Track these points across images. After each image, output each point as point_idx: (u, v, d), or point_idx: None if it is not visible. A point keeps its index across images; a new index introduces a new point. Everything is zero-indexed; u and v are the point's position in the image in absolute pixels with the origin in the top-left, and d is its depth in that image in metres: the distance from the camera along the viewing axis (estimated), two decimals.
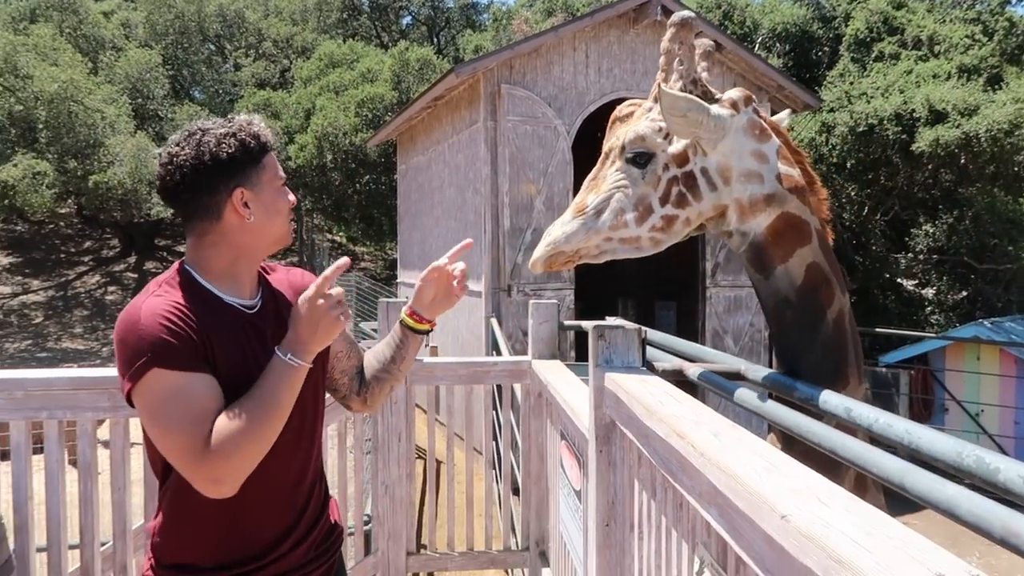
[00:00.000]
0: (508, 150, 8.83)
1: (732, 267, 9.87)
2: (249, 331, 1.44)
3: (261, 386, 1.35)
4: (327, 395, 1.69)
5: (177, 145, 1.40)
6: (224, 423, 1.29)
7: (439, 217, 11.14)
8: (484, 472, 3.65)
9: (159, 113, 24.00)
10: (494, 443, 4.38)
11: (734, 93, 1.93)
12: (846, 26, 18.54)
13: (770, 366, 2.07)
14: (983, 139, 12.53)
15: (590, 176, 2.04)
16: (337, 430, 3.43)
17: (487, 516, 3.61)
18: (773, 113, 2.18)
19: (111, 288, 23.45)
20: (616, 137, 2.00)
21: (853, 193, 15.33)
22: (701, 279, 10.03)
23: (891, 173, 14.55)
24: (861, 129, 13.77)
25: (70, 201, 23.41)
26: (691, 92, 1.92)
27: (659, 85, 1.91)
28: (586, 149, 7.59)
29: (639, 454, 1.64)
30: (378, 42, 29.48)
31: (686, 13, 1.95)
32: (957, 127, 12.79)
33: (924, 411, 11.33)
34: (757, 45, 18.99)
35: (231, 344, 1.39)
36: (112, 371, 1.58)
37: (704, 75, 2.01)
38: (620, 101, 2.21)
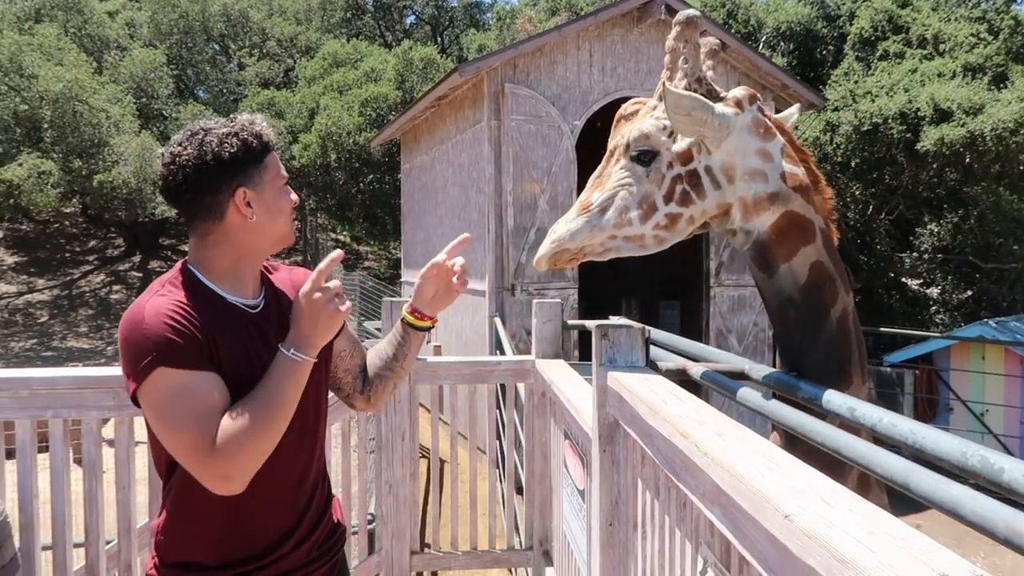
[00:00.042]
0: (512, 149, 8.83)
1: (736, 266, 9.86)
2: (252, 331, 1.44)
3: (266, 383, 1.35)
4: (331, 395, 1.70)
5: (179, 145, 1.40)
6: (231, 420, 1.29)
7: (443, 216, 11.15)
8: (488, 471, 3.65)
9: (163, 113, 24.08)
10: (498, 442, 4.38)
11: (739, 92, 1.93)
12: (851, 25, 18.50)
13: (774, 365, 2.06)
14: (988, 138, 12.48)
15: (595, 174, 2.04)
16: (341, 429, 3.43)
17: (491, 515, 3.61)
18: (777, 112, 2.18)
19: (116, 287, 23.52)
20: (621, 135, 2.00)
21: (857, 192, 15.30)
22: (705, 278, 10.02)
23: (896, 172, 14.51)
24: (865, 128, 13.73)
25: (75, 200, 23.50)
26: (696, 90, 1.92)
27: (663, 83, 1.91)
28: (590, 148, 7.59)
29: (643, 454, 1.64)
30: (382, 41, 29.52)
31: (692, 12, 1.95)
32: (962, 126, 12.75)
33: (929, 411, 11.31)
34: (761, 44, 18.97)
35: (234, 343, 1.39)
36: (117, 370, 1.59)
37: (710, 73, 2.01)
38: (624, 100, 2.21)
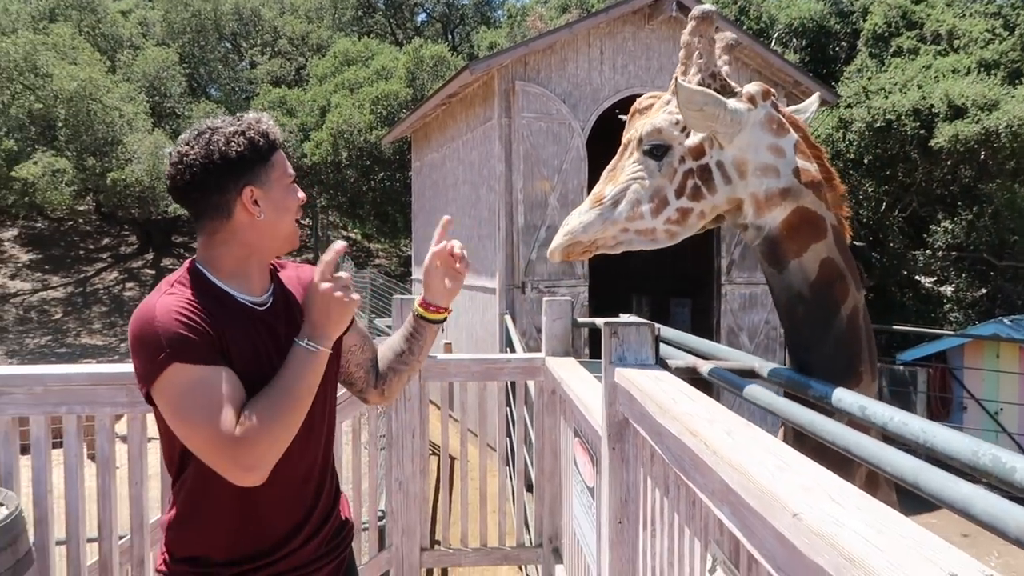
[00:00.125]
0: (522, 147, 8.82)
1: (748, 264, 9.82)
2: (261, 328, 1.44)
3: (284, 374, 1.37)
4: (341, 390, 1.70)
5: (187, 144, 1.40)
6: (250, 411, 1.30)
7: (453, 214, 11.07)
8: (497, 468, 3.66)
9: (176, 111, 24.22)
10: (507, 440, 4.39)
11: (752, 87, 1.93)
12: (864, 21, 18.35)
13: (785, 363, 2.06)
14: (1003, 134, 12.36)
15: (609, 167, 2.06)
16: (351, 426, 3.45)
17: (500, 512, 3.61)
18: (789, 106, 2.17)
19: (129, 284, 23.70)
20: (635, 129, 2.01)
21: (870, 189, 15.19)
22: (716, 276, 9.98)
23: (909, 169, 14.39)
24: (879, 125, 13.63)
25: (89, 198, 23.69)
26: (710, 86, 1.92)
27: (676, 79, 1.91)
28: (601, 146, 7.57)
29: (652, 451, 1.64)
30: (393, 39, 29.56)
31: (707, 7, 1.95)
32: (977, 122, 12.63)
33: (942, 409, 11.23)
34: (773, 40, 18.86)
35: (244, 341, 1.40)
36: (129, 367, 1.60)
37: (725, 68, 2.01)
38: (635, 97, 2.21)
